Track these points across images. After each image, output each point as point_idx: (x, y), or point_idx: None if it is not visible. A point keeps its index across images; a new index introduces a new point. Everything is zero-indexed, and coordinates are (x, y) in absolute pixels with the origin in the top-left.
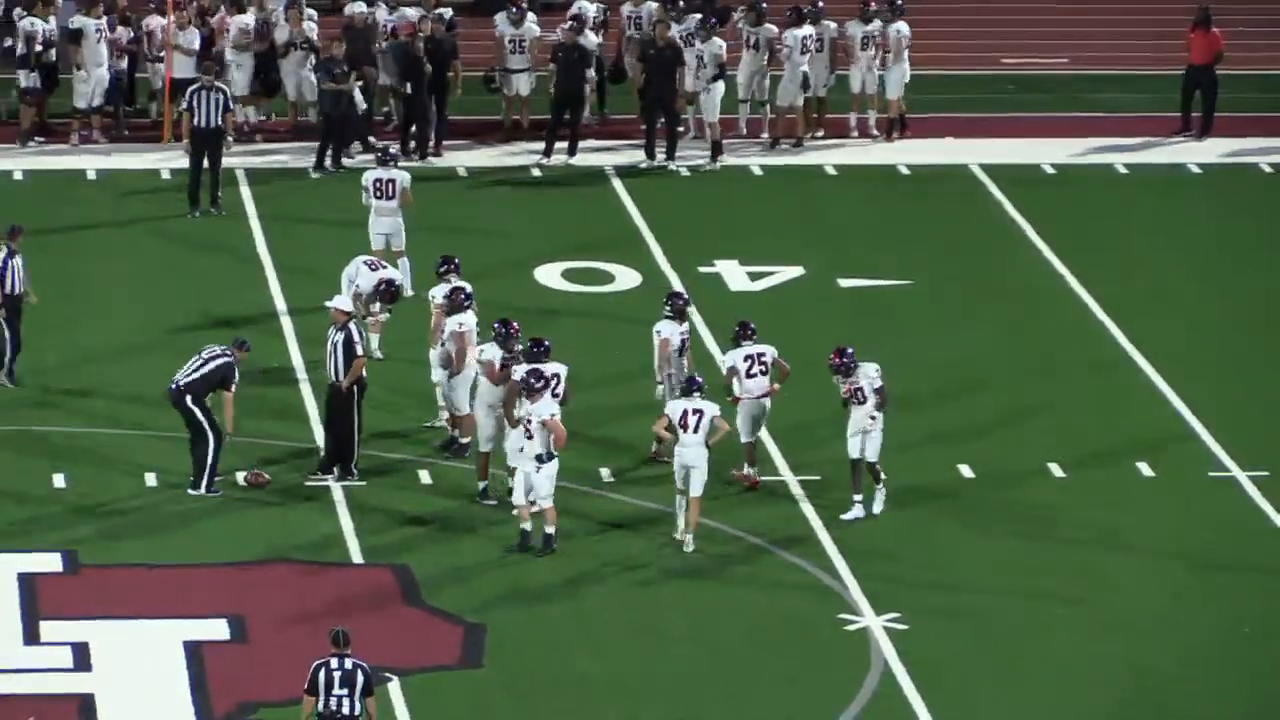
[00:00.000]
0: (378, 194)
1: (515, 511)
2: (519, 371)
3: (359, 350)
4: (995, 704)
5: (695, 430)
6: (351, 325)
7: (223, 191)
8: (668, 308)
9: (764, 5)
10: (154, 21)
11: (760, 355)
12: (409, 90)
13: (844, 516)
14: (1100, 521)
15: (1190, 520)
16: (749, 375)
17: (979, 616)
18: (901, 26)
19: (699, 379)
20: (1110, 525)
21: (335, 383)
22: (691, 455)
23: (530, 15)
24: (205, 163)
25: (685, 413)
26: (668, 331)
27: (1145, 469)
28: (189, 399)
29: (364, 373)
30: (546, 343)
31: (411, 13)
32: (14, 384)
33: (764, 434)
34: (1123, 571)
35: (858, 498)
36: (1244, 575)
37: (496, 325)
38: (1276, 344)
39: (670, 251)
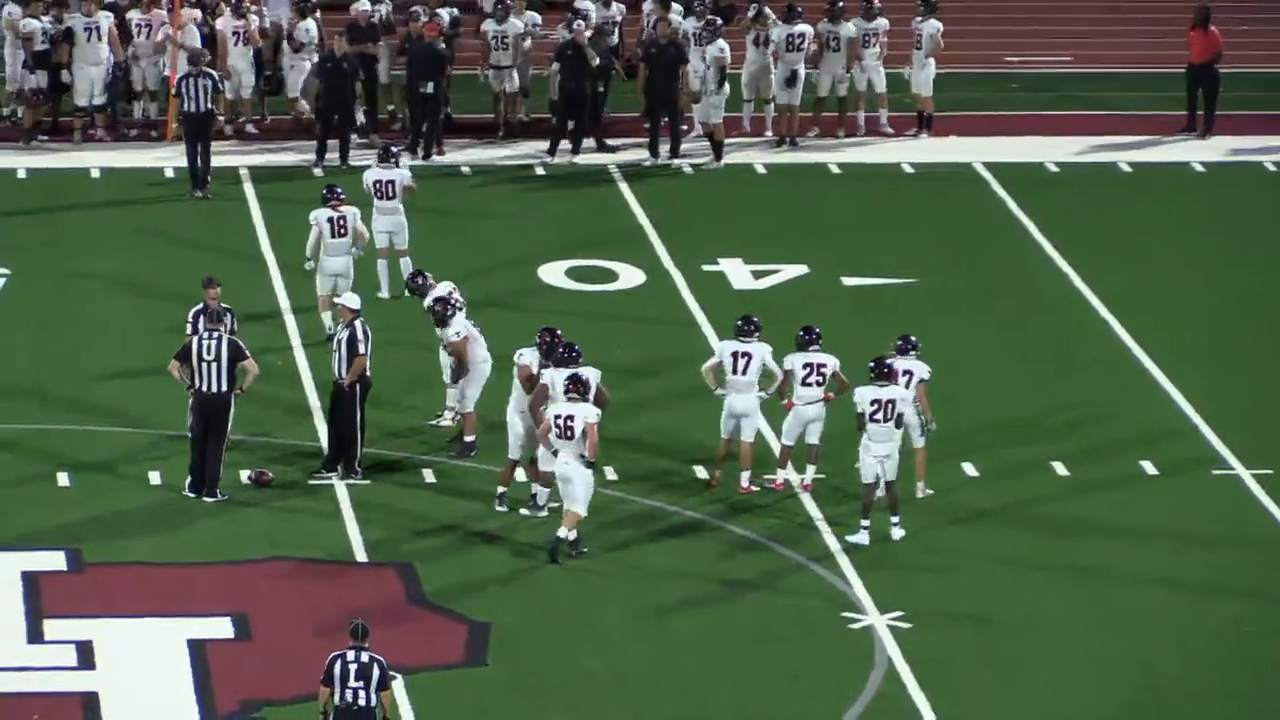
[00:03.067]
0: (378, 194)
1: (544, 514)
2: (548, 376)
3: (361, 349)
4: (998, 702)
5: (816, 386)
6: (357, 323)
7: (211, 177)
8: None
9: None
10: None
11: (820, 365)
12: (430, 89)
13: (850, 538)
14: (1103, 519)
15: (1193, 519)
16: (804, 383)
17: (982, 615)
18: (934, 24)
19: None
20: (1113, 523)
21: (339, 380)
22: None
23: (527, 15)
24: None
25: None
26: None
27: (1148, 467)
28: (232, 397)
29: (368, 371)
30: (577, 347)
31: (429, 12)
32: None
33: (769, 433)
34: (1125, 570)
35: (865, 523)
36: (1246, 574)
37: (541, 333)
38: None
39: (674, 250)
